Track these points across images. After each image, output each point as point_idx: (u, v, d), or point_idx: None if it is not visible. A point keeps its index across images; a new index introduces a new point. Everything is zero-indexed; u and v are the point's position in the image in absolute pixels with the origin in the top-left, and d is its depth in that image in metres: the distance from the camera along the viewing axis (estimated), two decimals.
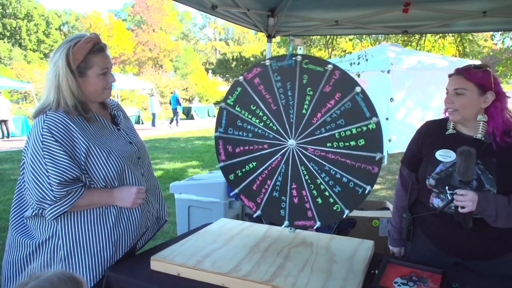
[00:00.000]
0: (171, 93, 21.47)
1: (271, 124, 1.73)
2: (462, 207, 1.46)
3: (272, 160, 1.74)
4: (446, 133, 1.65)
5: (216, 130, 1.85)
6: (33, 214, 1.50)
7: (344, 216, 1.61)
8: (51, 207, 1.43)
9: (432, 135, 1.70)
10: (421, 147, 1.72)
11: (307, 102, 1.65)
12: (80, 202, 1.46)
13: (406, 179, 1.81)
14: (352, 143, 1.57)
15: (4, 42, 34.04)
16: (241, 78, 1.78)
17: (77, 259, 1.49)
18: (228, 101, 1.82)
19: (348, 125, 1.57)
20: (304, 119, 1.66)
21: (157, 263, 1.55)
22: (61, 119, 1.45)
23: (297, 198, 1.70)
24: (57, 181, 1.40)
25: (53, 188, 1.40)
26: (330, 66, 1.58)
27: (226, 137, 1.83)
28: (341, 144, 1.59)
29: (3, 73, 22.66)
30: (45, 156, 1.41)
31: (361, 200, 1.58)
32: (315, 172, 1.65)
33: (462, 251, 1.61)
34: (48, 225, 1.50)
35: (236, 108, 1.80)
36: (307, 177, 1.67)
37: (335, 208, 1.63)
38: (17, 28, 36.06)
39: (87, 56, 1.50)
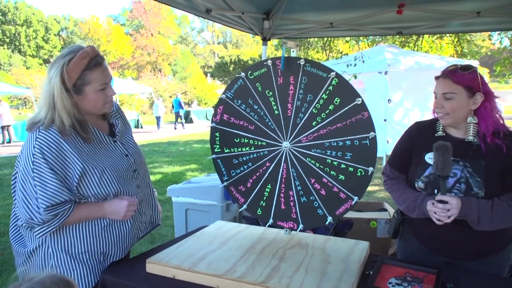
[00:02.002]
0: (170, 97, 21.55)
1: (260, 143, 1.76)
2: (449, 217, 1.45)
3: (280, 171, 1.73)
4: (436, 135, 1.64)
5: (223, 181, 1.87)
6: (23, 224, 1.48)
7: (370, 172, 1.54)
8: (39, 227, 1.41)
9: (421, 136, 1.69)
10: (410, 148, 1.70)
11: (273, 103, 1.72)
12: (69, 219, 1.44)
13: (393, 178, 1.78)
14: (331, 107, 1.60)
15: (3, 48, 34.14)
16: (213, 124, 1.85)
17: (67, 268, 1.48)
18: (216, 150, 1.87)
19: (315, 96, 1.62)
20: (281, 119, 1.71)
21: (153, 266, 1.55)
22: (54, 139, 1.39)
23: (323, 190, 1.64)
24: (45, 205, 1.37)
25: (40, 212, 1.37)
26: (269, 61, 1.66)
27: (233, 181, 1.84)
28: (323, 115, 1.61)
29: (3, 79, 22.71)
30: (35, 178, 1.37)
31: (374, 150, 1.52)
32: (320, 155, 1.63)
33: (450, 252, 1.61)
34: None
35: (225, 150, 1.84)
36: (317, 164, 1.64)
37: (358, 173, 1.57)
38: (16, 34, 36.16)
39: (83, 73, 1.42)
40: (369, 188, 5.63)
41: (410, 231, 1.73)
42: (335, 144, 1.60)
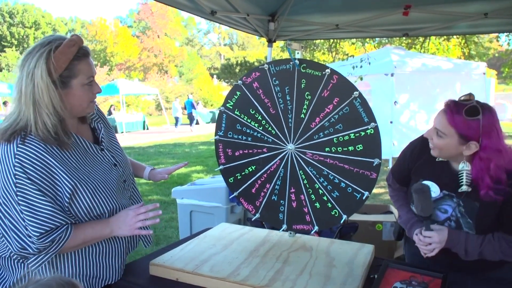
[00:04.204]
0: (176, 98, 21.71)
1: (270, 128, 1.73)
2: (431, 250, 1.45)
3: (271, 163, 1.75)
4: (438, 159, 1.54)
5: (216, 134, 1.86)
6: (6, 256, 1.28)
7: (342, 222, 1.60)
8: (34, 257, 1.22)
9: (422, 157, 1.60)
10: (411, 167, 1.65)
11: (305, 106, 1.65)
12: (70, 244, 1.25)
13: (395, 188, 1.79)
14: (351, 148, 1.57)
15: (12, 50, 34.48)
16: (240, 82, 1.79)
17: None
18: (228, 104, 1.82)
19: (346, 130, 1.57)
20: (302, 124, 1.66)
21: (156, 268, 1.55)
22: (36, 152, 1.18)
23: (295, 202, 1.70)
24: (38, 233, 1.17)
25: (33, 240, 1.17)
26: (328, 70, 1.58)
27: (225, 140, 1.84)
28: (339, 149, 1.59)
29: (11, 81, 22.94)
30: (20, 202, 1.16)
31: (359, 205, 1.58)
32: (313, 177, 1.65)
33: (448, 267, 1.52)
34: (18, 263, 1.29)
35: (236, 112, 1.80)
36: (305, 181, 1.67)
37: (333, 213, 1.62)
38: (24, 36, 36.51)
39: (71, 63, 1.24)
40: (375, 191, 5.59)
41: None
42: (331, 177, 1.61)
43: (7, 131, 1.20)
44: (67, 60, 1.23)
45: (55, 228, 1.21)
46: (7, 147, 1.18)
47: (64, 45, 1.22)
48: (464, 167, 1.42)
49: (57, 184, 1.22)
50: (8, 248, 1.24)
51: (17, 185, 1.16)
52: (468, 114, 1.35)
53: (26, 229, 1.17)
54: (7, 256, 1.29)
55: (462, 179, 1.43)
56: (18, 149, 1.17)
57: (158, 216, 1.38)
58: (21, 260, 1.26)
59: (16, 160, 1.16)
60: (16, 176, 1.16)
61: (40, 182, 1.18)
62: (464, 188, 1.43)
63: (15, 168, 1.16)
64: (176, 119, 17.92)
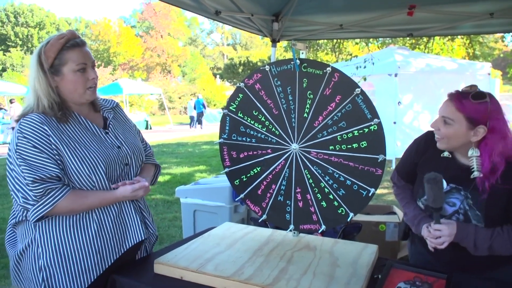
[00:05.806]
0: (179, 98, 21.74)
1: (273, 129, 1.74)
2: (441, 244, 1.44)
3: (276, 164, 1.75)
4: (442, 155, 1.55)
5: (220, 137, 1.86)
6: (19, 220, 1.45)
7: (349, 220, 1.60)
8: (34, 208, 1.36)
9: (428, 153, 1.62)
10: (416, 162, 1.65)
11: (308, 105, 1.65)
12: (72, 204, 1.39)
13: (400, 186, 1.78)
14: (355, 145, 1.57)
15: (16, 50, 34.66)
16: (242, 84, 1.79)
17: (57, 268, 1.41)
18: (231, 107, 1.83)
19: (349, 127, 1.57)
20: (306, 123, 1.66)
21: (161, 266, 1.55)
22: (34, 120, 1.38)
23: (301, 202, 1.70)
24: (31, 178, 1.33)
25: (30, 187, 1.34)
26: (329, 68, 1.58)
27: (230, 143, 1.84)
28: (344, 147, 1.59)
29: (16, 80, 23.07)
30: (17, 158, 1.36)
31: (366, 203, 1.57)
32: (318, 176, 1.65)
33: (455, 264, 1.54)
34: (27, 232, 1.44)
35: (239, 114, 1.81)
36: (311, 180, 1.67)
37: (339, 211, 1.62)
38: (29, 36, 36.68)
39: (60, 53, 1.41)
40: (378, 191, 5.58)
41: (418, 236, 1.71)
42: (337, 175, 1.61)
43: (18, 118, 1.43)
44: (56, 51, 1.40)
45: (49, 178, 1.36)
46: (16, 127, 1.40)
47: (54, 38, 1.42)
48: (473, 154, 1.43)
49: (51, 142, 1.38)
50: (18, 208, 1.43)
51: (17, 145, 1.37)
52: (475, 98, 1.39)
53: (25, 179, 1.35)
54: (17, 220, 1.46)
55: (473, 166, 1.43)
56: (22, 121, 1.39)
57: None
58: (24, 212, 1.40)
59: (19, 128, 1.38)
60: (17, 138, 1.37)
61: (36, 140, 1.37)
62: (476, 174, 1.42)
63: (17, 134, 1.38)
64: (191, 118, 18.31)
